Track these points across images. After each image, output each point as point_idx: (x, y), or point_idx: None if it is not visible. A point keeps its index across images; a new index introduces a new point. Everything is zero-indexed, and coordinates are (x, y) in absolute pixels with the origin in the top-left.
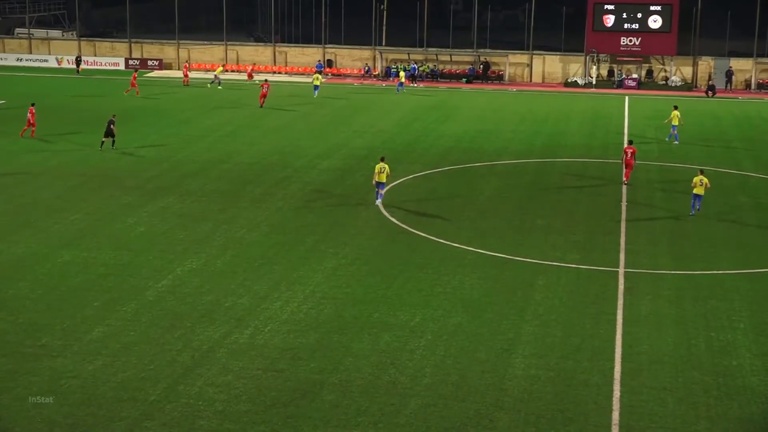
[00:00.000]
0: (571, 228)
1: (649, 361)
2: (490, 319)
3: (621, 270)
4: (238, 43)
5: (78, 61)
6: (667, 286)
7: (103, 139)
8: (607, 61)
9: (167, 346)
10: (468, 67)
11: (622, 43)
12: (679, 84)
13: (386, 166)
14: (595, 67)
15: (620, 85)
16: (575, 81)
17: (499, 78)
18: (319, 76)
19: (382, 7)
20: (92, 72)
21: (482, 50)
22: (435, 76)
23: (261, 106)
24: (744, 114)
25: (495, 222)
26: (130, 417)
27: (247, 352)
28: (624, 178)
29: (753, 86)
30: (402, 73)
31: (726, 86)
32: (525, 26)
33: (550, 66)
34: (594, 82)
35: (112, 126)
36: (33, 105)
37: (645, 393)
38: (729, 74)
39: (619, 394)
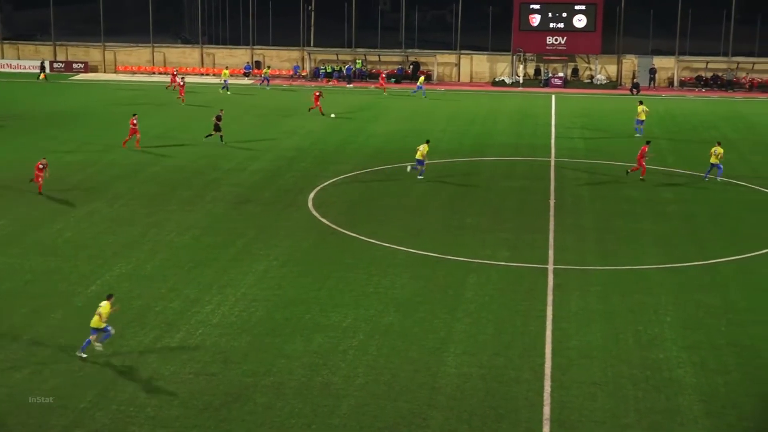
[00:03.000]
0: (501, 226)
1: (579, 356)
2: (422, 318)
3: (550, 267)
4: (165, 44)
5: (42, 67)
6: (595, 282)
7: (212, 133)
8: (533, 60)
9: (97, 352)
10: (397, 67)
11: (548, 43)
12: (604, 82)
13: (426, 146)
14: (521, 67)
15: (547, 83)
16: (502, 80)
17: (428, 78)
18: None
19: (310, 7)
20: (14, 75)
21: (411, 50)
22: (363, 76)
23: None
24: (668, 111)
25: (425, 221)
26: (60, 425)
27: (178, 356)
28: (641, 176)
29: (676, 84)
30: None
31: (650, 84)
32: (452, 26)
33: (477, 65)
34: (521, 81)
35: (218, 121)
36: (135, 115)
37: (575, 388)
38: (652, 72)
39: (549, 389)
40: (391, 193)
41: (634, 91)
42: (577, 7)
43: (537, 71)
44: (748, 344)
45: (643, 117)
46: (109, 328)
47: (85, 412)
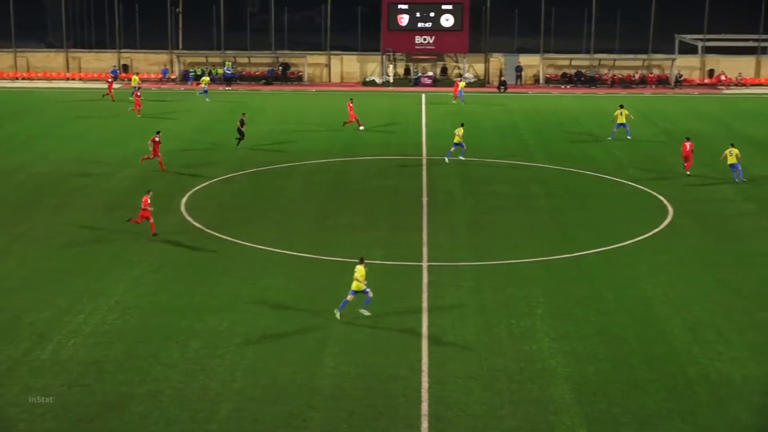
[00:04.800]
0: (375, 225)
1: (455, 351)
2: (299, 319)
3: (424, 264)
4: (28, 49)
5: None
6: (468, 278)
7: (238, 137)
8: (403, 59)
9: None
10: (267, 68)
11: (417, 42)
12: (472, 80)
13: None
14: (391, 66)
15: (417, 82)
16: (373, 80)
17: (299, 79)
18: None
19: (177, 10)
20: None
21: (280, 51)
22: (233, 78)
23: None
24: (534, 108)
25: (299, 222)
26: None
27: (50, 368)
28: (685, 171)
29: (541, 81)
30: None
31: (516, 81)
32: (322, 27)
33: (348, 66)
34: (391, 81)
35: (242, 126)
36: (158, 132)
37: (452, 382)
38: (519, 70)
39: (427, 385)
40: (265, 194)
41: (502, 88)
42: (444, 7)
43: (407, 70)
44: (615, 333)
45: (622, 120)
46: (368, 290)
47: None
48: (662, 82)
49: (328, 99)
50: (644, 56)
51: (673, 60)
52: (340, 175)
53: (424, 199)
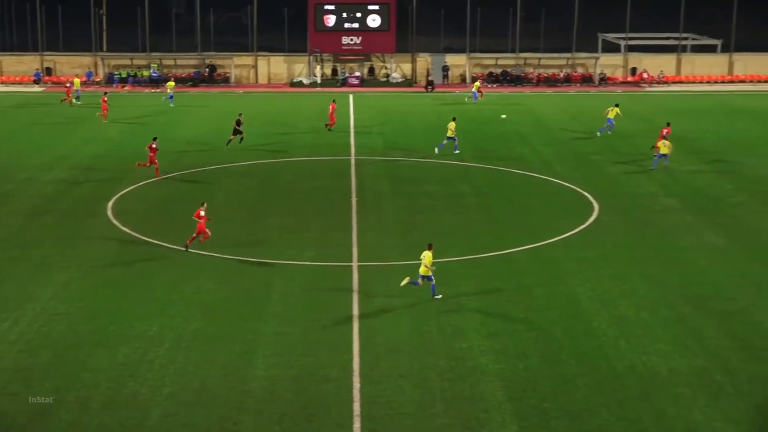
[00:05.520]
0: (305, 226)
1: (386, 351)
2: (229, 322)
3: (355, 264)
4: None
5: None
6: (399, 277)
7: (231, 137)
8: (330, 60)
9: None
10: (193, 70)
11: (343, 42)
12: (400, 80)
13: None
14: (319, 67)
15: (344, 83)
16: (300, 81)
17: (226, 80)
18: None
19: (101, 12)
20: None
21: (207, 53)
22: (160, 81)
23: None
24: (462, 107)
25: (229, 225)
26: None
27: None
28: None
29: (468, 80)
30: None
31: (443, 81)
32: (248, 28)
33: (275, 67)
34: (319, 82)
35: (238, 126)
36: (155, 139)
37: (383, 382)
38: (445, 70)
39: (359, 385)
40: (194, 197)
41: (429, 88)
42: (370, 7)
43: (334, 71)
44: (544, 328)
45: (612, 115)
46: (432, 276)
47: None
48: (586, 80)
49: (255, 100)
50: (568, 55)
51: (597, 58)
52: (270, 177)
53: (354, 200)
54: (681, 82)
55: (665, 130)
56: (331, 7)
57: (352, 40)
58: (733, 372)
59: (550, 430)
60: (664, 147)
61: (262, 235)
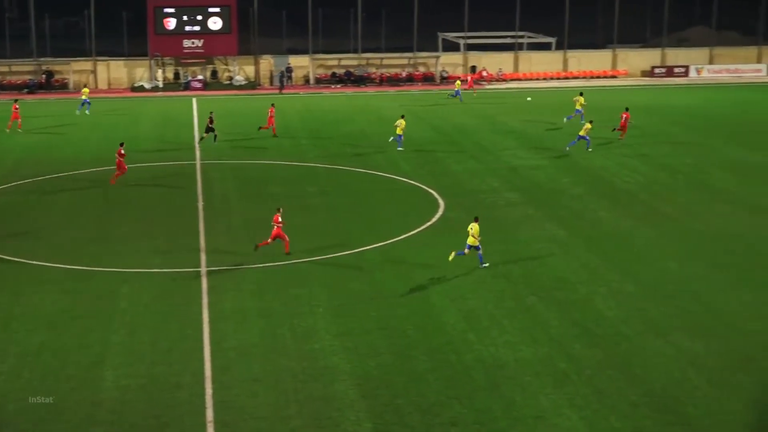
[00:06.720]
0: (152, 233)
1: (238, 355)
2: (76, 333)
3: (203, 269)
4: None
5: None
6: (249, 281)
7: (204, 135)
8: (172, 63)
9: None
10: (29, 77)
11: (185, 46)
12: (243, 83)
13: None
14: (160, 71)
15: (187, 87)
16: (142, 85)
17: (64, 86)
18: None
19: None
20: None
21: (43, 59)
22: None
23: None
24: (305, 108)
25: (73, 234)
26: None
27: None
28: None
29: (312, 81)
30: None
31: (287, 82)
32: (86, 32)
33: (115, 71)
34: (161, 86)
35: (210, 123)
36: (122, 144)
37: (236, 387)
38: (289, 71)
39: (211, 391)
40: (36, 207)
41: (282, 88)
42: (211, 10)
43: (176, 75)
44: (395, 326)
45: (578, 107)
46: (479, 246)
47: None
48: (428, 79)
49: (96, 106)
50: (410, 55)
51: (438, 57)
52: (114, 184)
53: (200, 204)
54: (519, 79)
55: (625, 115)
56: (171, 10)
57: (193, 43)
58: (576, 359)
59: (403, 426)
60: (583, 131)
61: (108, 243)
